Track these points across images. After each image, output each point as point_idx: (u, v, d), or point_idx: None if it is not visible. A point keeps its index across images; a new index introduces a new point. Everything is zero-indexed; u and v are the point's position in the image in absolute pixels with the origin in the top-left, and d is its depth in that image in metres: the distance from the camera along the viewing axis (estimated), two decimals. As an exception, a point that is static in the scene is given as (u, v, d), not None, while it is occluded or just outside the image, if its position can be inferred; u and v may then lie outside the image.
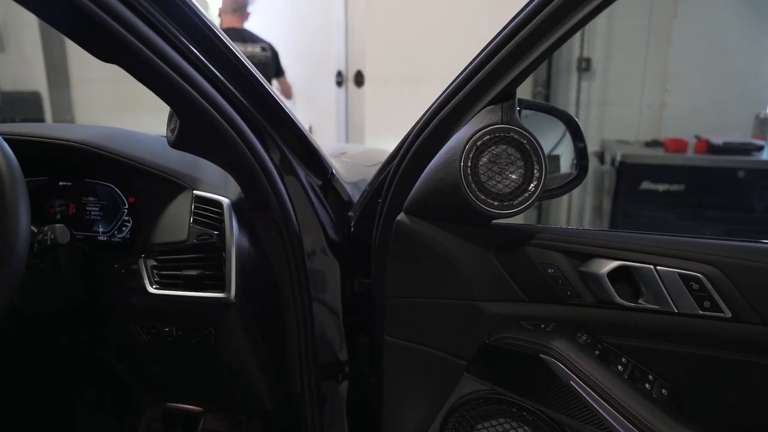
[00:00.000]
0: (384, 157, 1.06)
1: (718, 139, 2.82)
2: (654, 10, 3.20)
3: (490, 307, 0.90)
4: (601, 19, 3.25)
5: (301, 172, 1.07)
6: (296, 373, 1.12)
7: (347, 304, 1.21)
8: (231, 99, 0.89)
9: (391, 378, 1.02)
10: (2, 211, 0.74)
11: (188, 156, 1.01)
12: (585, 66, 3.31)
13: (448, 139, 0.84)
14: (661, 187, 2.79)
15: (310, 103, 3.78)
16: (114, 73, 0.82)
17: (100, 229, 1.06)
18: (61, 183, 1.10)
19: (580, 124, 0.97)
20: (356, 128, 3.74)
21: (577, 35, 3.29)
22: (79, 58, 3.80)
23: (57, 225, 0.86)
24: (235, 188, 1.06)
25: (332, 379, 1.23)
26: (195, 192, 1.04)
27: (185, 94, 0.80)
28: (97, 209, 1.07)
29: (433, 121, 0.85)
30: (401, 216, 0.91)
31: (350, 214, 1.16)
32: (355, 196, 1.21)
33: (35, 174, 1.11)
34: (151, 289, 1.00)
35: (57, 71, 3.75)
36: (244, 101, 0.92)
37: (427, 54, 3.38)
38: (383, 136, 3.69)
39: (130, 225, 1.05)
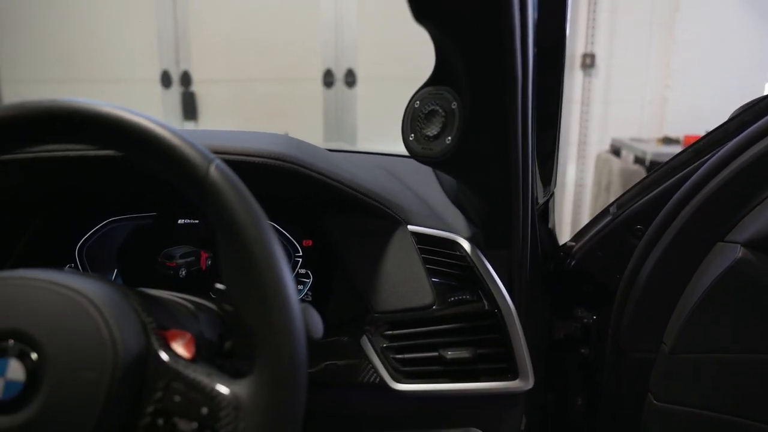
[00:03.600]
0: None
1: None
2: (656, 5, 3.15)
3: None
4: (603, 14, 3.15)
5: (534, 189, 0.79)
6: None
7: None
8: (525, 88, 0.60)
9: None
10: (266, 292, 0.42)
11: (371, 172, 0.71)
12: (590, 62, 3.20)
13: None
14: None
15: (291, 105, 3.42)
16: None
17: None
18: (181, 221, 0.76)
19: None
20: (346, 133, 3.43)
21: (581, 29, 3.18)
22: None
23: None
24: (452, 221, 0.77)
25: None
26: (411, 228, 0.73)
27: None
28: None
29: None
30: (742, 253, 0.66)
31: (570, 243, 0.90)
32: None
33: (135, 209, 0.77)
34: (398, 386, 0.67)
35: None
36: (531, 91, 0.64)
37: (426, 51, 3.14)
38: (377, 144, 3.41)
39: (309, 282, 0.73)
